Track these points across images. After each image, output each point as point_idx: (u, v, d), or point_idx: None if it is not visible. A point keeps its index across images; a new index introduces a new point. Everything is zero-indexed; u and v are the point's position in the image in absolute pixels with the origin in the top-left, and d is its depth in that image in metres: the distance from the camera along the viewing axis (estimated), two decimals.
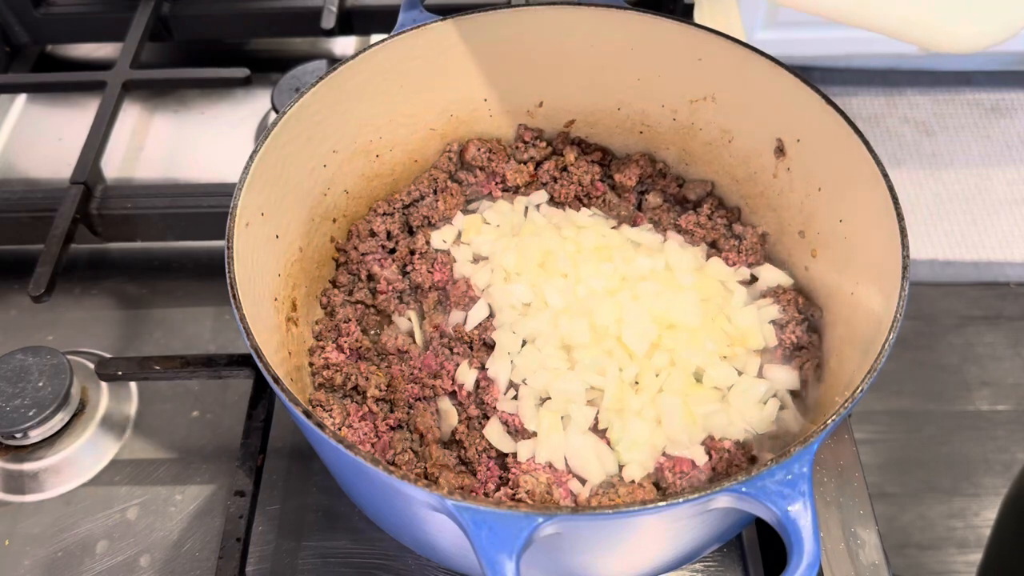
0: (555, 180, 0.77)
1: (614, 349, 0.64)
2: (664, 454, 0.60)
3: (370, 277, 0.72)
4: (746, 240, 0.72)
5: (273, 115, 0.87)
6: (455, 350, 0.67)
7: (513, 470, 0.60)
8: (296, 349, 0.66)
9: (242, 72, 0.90)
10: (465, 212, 0.76)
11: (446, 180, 0.77)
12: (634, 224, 0.75)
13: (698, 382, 0.63)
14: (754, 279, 0.71)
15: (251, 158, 0.60)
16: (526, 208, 0.76)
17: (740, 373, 0.64)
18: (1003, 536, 0.77)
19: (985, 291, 2.04)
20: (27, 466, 0.69)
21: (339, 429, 0.62)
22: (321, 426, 0.48)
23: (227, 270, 0.55)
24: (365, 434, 0.63)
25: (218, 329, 0.79)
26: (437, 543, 0.57)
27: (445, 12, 0.71)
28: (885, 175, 0.58)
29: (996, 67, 2.56)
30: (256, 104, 0.97)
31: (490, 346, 0.66)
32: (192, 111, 0.99)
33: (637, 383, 0.63)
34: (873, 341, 0.53)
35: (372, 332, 0.70)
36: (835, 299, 0.66)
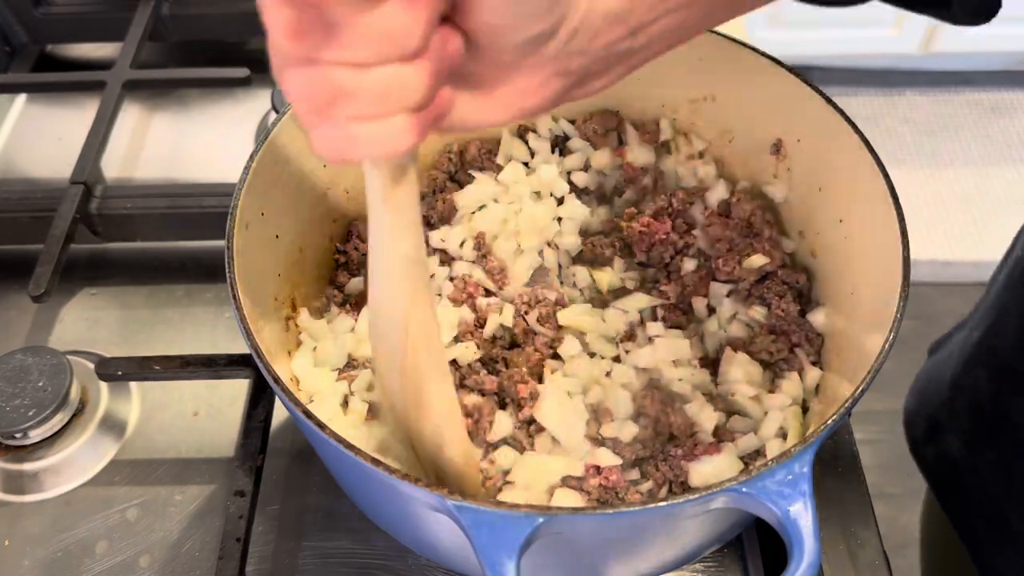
0: None
1: None
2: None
3: None
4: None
5: (273, 115, 0.87)
6: None
7: None
8: (296, 349, 0.66)
9: (242, 72, 0.90)
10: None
11: (445, 180, 0.77)
12: None
13: None
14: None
15: (251, 158, 0.60)
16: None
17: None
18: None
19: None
20: (27, 466, 0.69)
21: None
22: (321, 426, 0.48)
23: (227, 270, 0.55)
24: None
25: (218, 329, 0.79)
26: (437, 543, 0.57)
27: None
28: (885, 175, 0.58)
29: (996, 67, 2.56)
30: (256, 104, 0.97)
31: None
32: (192, 111, 0.98)
33: None
34: (873, 341, 0.53)
35: None
36: (835, 299, 0.66)
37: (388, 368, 0.52)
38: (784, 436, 0.62)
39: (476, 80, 0.41)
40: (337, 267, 0.73)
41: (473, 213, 0.74)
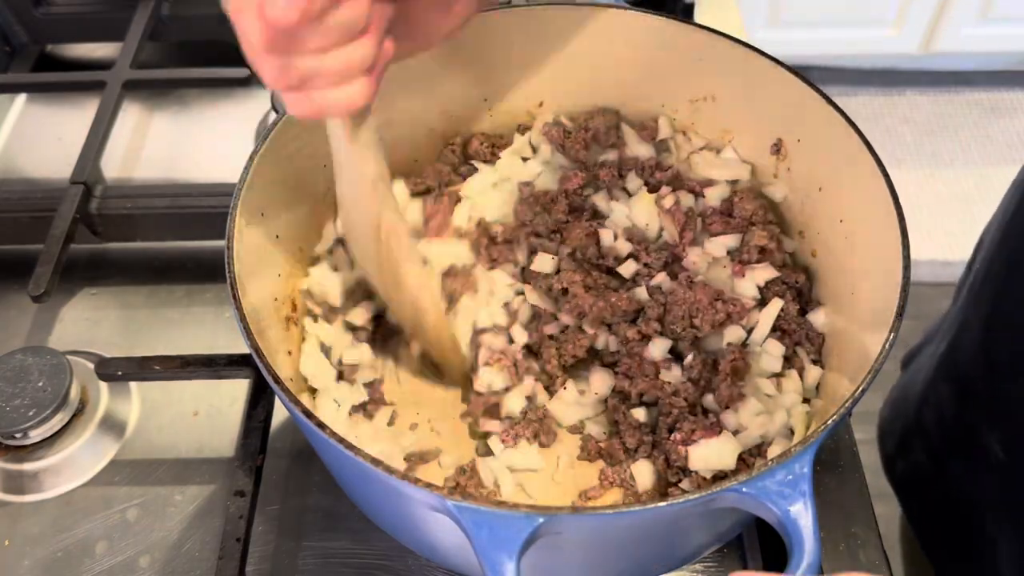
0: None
1: None
2: None
3: None
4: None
5: (273, 115, 0.87)
6: None
7: None
8: (296, 349, 0.66)
9: (242, 72, 0.90)
10: None
11: (450, 173, 0.77)
12: None
13: None
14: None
15: (251, 158, 0.60)
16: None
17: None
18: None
19: None
20: (27, 466, 0.69)
21: None
22: (321, 426, 0.48)
23: (227, 270, 0.55)
24: None
25: (218, 329, 0.79)
26: (437, 543, 0.57)
27: None
28: (885, 175, 0.58)
29: (996, 67, 2.56)
30: (256, 104, 0.97)
31: None
32: (192, 111, 0.98)
33: None
34: (873, 341, 0.53)
35: None
36: (835, 298, 0.66)
37: (366, 260, 0.63)
38: (790, 433, 0.62)
39: (410, 20, 0.50)
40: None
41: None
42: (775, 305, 0.66)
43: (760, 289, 0.68)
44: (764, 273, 0.68)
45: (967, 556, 0.79)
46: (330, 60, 0.44)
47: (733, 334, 0.66)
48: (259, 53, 0.44)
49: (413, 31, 0.52)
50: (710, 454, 0.60)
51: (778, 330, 0.66)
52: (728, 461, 0.60)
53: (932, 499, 0.83)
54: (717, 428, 0.61)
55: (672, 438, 0.61)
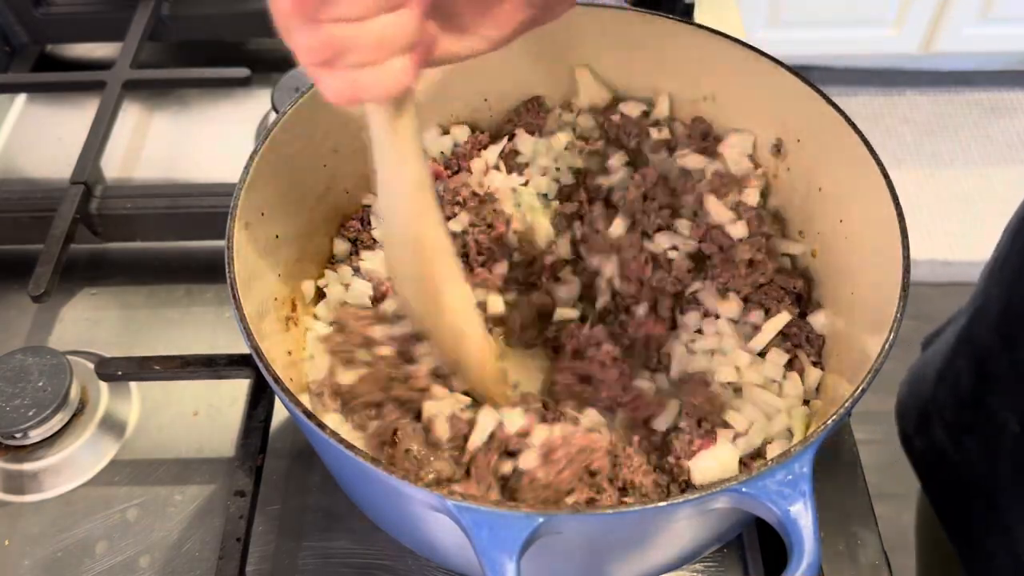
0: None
1: None
2: None
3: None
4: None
5: (273, 115, 0.87)
6: None
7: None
8: (296, 349, 0.66)
9: (242, 72, 0.90)
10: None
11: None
12: None
13: None
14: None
15: (251, 158, 0.60)
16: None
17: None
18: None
19: None
20: (27, 466, 0.69)
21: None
22: (321, 426, 0.48)
23: (227, 270, 0.55)
24: None
25: (218, 329, 0.79)
26: (437, 543, 0.57)
27: None
28: (885, 175, 0.58)
29: (996, 67, 2.56)
30: (256, 104, 0.97)
31: None
32: (192, 111, 0.98)
33: None
34: (873, 341, 0.53)
35: None
36: (835, 299, 0.66)
37: (403, 277, 0.59)
38: (790, 435, 0.62)
39: (456, 17, 0.46)
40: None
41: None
42: (781, 319, 0.65)
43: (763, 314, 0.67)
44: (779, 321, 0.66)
45: (983, 539, 0.79)
46: (366, 31, 0.41)
47: (726, 374, 0.64)
48: (288, 15, 0.40)
49: (454, 26, 0.47)
50: (712, 465, 0.59)
51: (779, 334, 0.66)
52: (730, 468, 0.59)
53: (948, 478, 0.84)
54: (713, 436, 0.60)
55: (673, 453, 0.60)
